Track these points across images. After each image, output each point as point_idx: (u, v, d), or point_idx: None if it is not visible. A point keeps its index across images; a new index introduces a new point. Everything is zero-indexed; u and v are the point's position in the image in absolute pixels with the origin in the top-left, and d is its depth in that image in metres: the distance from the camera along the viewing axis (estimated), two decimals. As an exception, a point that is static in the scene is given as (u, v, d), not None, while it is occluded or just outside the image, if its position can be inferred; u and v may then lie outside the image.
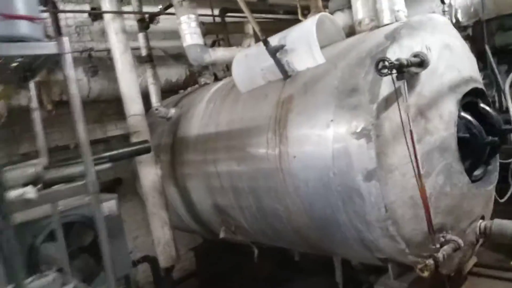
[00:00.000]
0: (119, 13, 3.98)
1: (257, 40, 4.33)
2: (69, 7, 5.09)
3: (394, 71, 2.20)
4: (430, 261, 2.28)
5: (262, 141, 3.09)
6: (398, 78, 2.27)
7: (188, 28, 3.75)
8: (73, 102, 2.28)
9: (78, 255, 3.28)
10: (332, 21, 3.14)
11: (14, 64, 2.34)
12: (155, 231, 4.09)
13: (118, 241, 3.45)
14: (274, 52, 2.97)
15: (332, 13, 3.55)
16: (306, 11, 3.58)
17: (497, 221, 2.75)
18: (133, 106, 4.00)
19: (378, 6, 2.91)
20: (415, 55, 2.40)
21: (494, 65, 4.25)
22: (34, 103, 3.42)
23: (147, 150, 3.53)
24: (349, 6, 3.19)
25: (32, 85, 3.35)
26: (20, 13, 2.00)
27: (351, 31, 3.19)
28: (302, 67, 2.99)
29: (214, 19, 5.49)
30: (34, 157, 3.11)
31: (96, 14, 4.76)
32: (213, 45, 5.44)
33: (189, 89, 5.06)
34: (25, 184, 2.21)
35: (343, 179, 2.52)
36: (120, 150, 3.33)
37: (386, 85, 2.39)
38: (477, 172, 2.88)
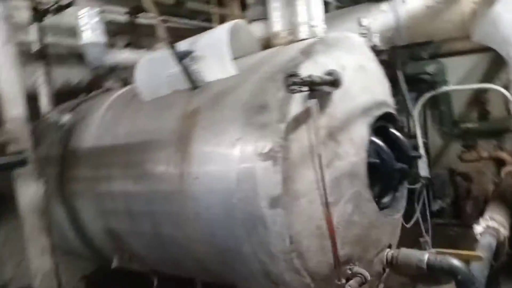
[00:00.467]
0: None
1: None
2: None
3: (305, 88, 1.98)
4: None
5: (163, 158, 2.70)
6: (309, 97, 2.06)
7: (88, 24, 3.24)
8: None
9: None
10: (248, 30, 2.90)
11: None
12: (33, 260, 3.41)
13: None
14: (180, 57, 2.63)
15: (249, 22, 3.32)
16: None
17: (404, 250, 2.68)
18: (13, 108, 3.33)
19: (295, 20, 2.74)
20: (329, 73, 2.23)
21: (405, 91, 4.38)
22: None
23: (22, 163, 2.91)
24: (266, 18, 2.98)
25: None
26: None
27: (268, 44, 2.97)
28: (212, 78, 2.69)
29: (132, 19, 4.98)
30: None
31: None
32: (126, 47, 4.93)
33: (93, 93, 4.48)
34: None
35: (247, 206, 2.22)
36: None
37: (297, 104, 2.18)
38: (385, 200, 2.80)
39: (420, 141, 4.39)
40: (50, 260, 3.45)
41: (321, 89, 2.17)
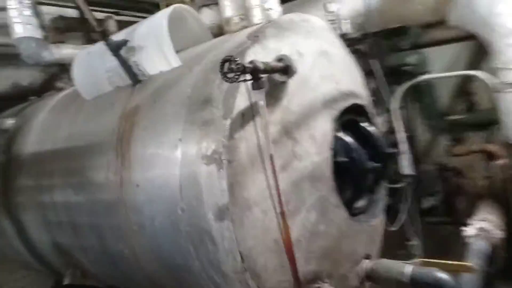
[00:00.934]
0: None
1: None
2: None
3: (247, 76, 1.68)
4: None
5: (103, 164, 2.38)
6: (254, 87, 1.76)
7: (19, 16, 2.88)
8: None
9: None
10: (196, 17, 2.58)
11: None
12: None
13: None
14: (115, 49, 2.30)
15: (198, 9, 3.00)
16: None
17: (384, 262, 2.38)
18: None
19: (247, 4, 2.43)
20: (279, 59, 1.92)
21: (381, 81, 4.11)
22: None
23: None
24: (217, 2, 2.67)
25: None
26: None
27: (220, 31, 2.66)
28: (154, 71, 2.37)
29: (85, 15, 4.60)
30: None
31: None
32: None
33: (45, 95, 4.11)
34: None
35: (191, 217, 1.92)
36: None
37: (243, 96, 1.87)
38: (359, 204, 2.49)
39: (402, 135, 4.11)
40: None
41: (271, 78, 1.88)
